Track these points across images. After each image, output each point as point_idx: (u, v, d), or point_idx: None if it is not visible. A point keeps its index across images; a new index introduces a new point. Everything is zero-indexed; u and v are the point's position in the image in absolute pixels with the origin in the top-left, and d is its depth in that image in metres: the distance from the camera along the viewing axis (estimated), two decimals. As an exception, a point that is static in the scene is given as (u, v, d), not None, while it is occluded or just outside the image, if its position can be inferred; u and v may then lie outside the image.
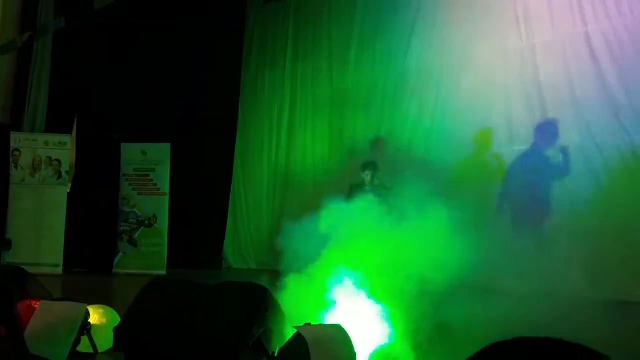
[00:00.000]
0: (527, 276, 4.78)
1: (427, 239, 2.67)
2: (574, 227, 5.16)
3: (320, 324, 2.51)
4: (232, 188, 8.82)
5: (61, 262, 7.24)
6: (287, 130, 8.36)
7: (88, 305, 2.94)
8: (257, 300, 2.37)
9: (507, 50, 6.09)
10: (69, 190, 7.48)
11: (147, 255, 7.81)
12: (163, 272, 7.48)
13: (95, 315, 2.98)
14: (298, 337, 2.27)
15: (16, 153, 7.45)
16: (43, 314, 2.75)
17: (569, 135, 5.58)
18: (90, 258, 7.77)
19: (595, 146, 5.42)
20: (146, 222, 7.93)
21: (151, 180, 8.01)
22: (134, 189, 8.01)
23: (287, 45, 8.39)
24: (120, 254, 7.89)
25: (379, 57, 7.32)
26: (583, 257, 5.02)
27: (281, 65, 8.45)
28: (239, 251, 8.66)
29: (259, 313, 2.32)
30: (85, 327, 2.82)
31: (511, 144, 5.99)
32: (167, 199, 7.92)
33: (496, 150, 6.10)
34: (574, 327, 3.00)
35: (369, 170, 5.81)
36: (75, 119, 7.54)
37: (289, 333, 2.36)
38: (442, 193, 3.16)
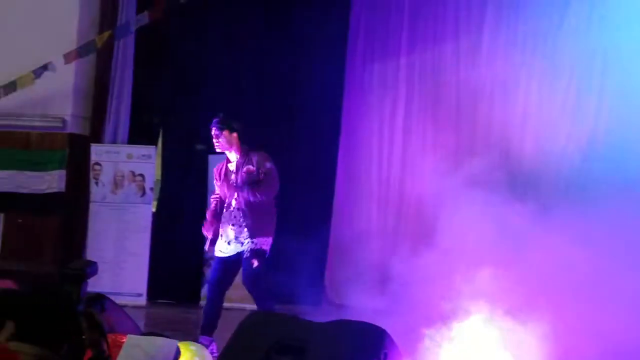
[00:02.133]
0: None
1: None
2: None
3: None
4: (333, 207, 8.92)
5: (145, 292, 7.74)
6: (402, 134, 8.33)
7: (178, 342, 3.15)
8: (374, 346, 2.39)
9: None
10: (154, 210, 7.95)
11: (240, 285, 8.11)
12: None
13: (187, 354, 3.18)
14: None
15: (96, 167, 7.99)
16: (131, 351, 2.98)
17: None
18: (175, 287, 8.24)
19: None
20: (238, 245, 8.25)
21: (242, 196, 8.34)
22: (223, 207, 8.40)
23: (402, 29, 8.40)
24: (209, 283, 8.30)
25: (522, 37, 7.11)
26: None
27: (394, 54, 8.47)
28: (341, 283, 8.71)
29: (376, 360, 2.34)
30: (176, 368, 3.02)
31: None
32: (259, 217, 8.20)
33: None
34: None
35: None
36: (161, 129, 8.02)
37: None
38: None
